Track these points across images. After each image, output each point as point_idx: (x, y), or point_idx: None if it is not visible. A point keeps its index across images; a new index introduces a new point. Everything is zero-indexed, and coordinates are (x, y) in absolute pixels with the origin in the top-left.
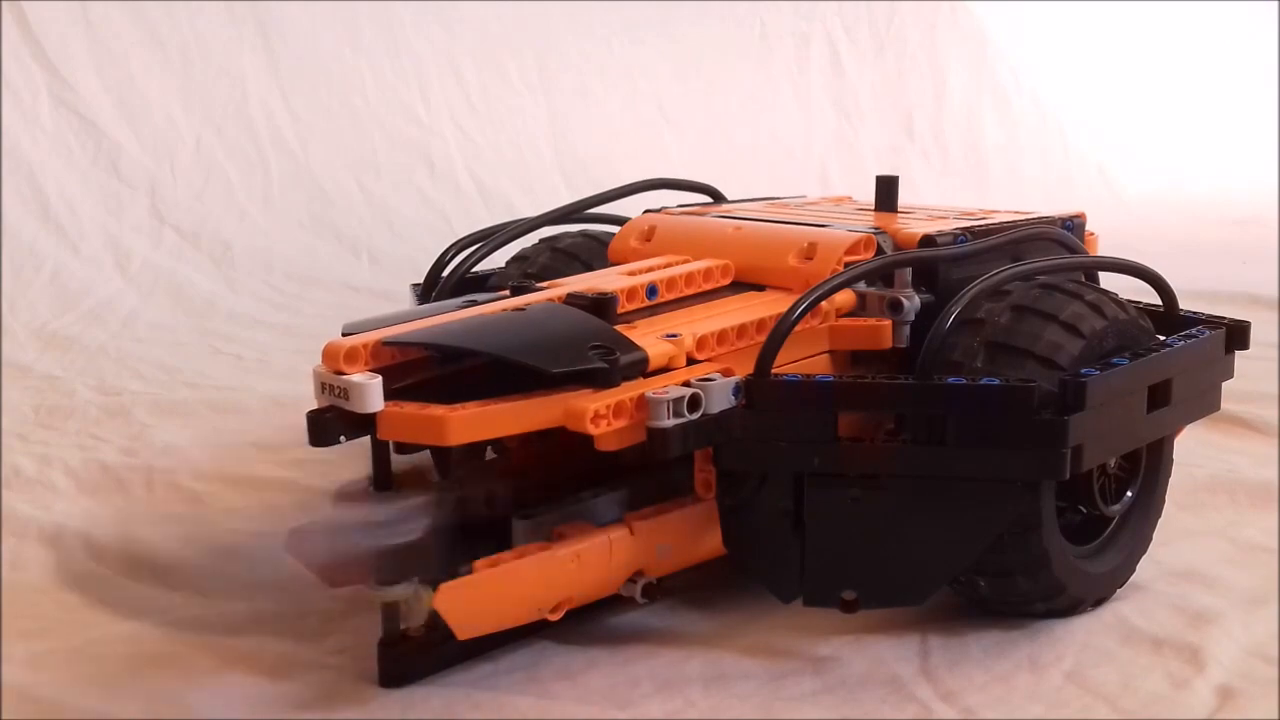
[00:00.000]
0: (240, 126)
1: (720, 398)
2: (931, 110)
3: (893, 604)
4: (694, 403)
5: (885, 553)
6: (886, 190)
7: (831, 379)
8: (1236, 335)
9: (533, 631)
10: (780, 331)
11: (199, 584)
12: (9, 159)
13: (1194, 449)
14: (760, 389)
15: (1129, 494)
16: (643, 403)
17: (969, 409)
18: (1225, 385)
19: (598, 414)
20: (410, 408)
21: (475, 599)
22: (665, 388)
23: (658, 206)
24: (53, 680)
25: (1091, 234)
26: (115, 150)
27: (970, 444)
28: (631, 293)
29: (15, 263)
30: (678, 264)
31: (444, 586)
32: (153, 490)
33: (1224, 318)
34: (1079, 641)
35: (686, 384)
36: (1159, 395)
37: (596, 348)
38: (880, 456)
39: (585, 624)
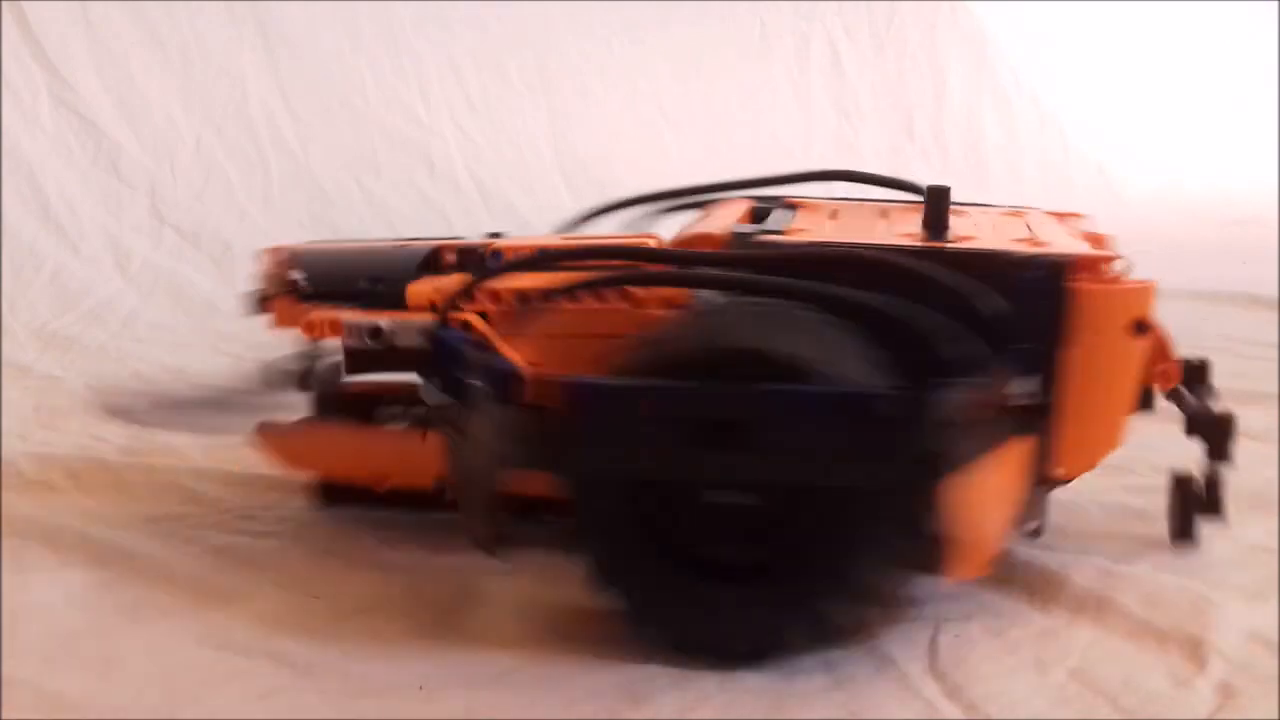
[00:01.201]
0: (240, 126)
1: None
2: (931, 110)
3: None
4: None
5: None
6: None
7: None
8: None
9: (540, 630)
10: None
11: (201, 583)
12: (9, 159)
13: (1194, 449)
14: None
15: None
16: None
17: None
18: (1225, 385)
19: None
20: None
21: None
22: None
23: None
24: (56, 678)
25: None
26: (115, 150)
27: None
28: None
29: (15, 262)
30: None
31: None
32: (155, 490)
33: None
34: (1084, 640)
35: None
36: None
37: None
38: None
39: (597, 621)
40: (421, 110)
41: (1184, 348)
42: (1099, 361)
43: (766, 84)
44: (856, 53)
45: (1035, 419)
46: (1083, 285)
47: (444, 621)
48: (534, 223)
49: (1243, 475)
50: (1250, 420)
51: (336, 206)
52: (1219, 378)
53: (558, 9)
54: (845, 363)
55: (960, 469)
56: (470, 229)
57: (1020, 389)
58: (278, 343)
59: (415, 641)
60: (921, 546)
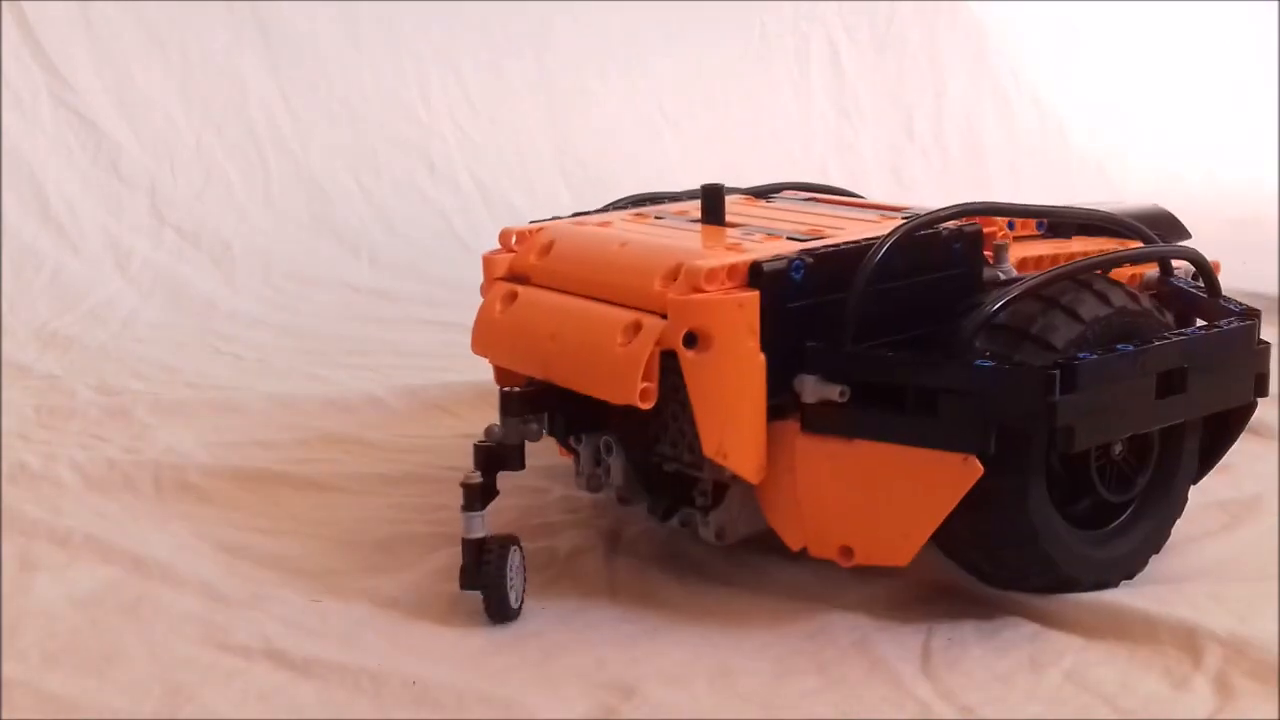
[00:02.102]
0: (240, 127)
1: None
2: (931, 110)
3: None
4: None
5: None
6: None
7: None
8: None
9: (533, 625)
10: None
11: (206, 582)
12: (9, 159)
13: None
14: None
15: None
16: None
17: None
18: None
19: None
20: None
21: None
22: None
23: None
24: (56, 678)
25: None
26: (115, 150)
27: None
28: None
29: (15, 262)
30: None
31: None
32: (160, 489)
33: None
34: (1079, 641)
35: None
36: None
37: None
38: None
39: (594, 621)
40: (421, 111)
41: None
42: None
43: (766, 84)
44: (856, 53)
45: None
46: None
47: (439, 621)
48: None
49: (1243, 473)
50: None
51: (336, 206)
52: None
53: (558, 9)
54: None
55: None
56: (470, 229)
57: None
58: (277, 345)
59: (412, 639)
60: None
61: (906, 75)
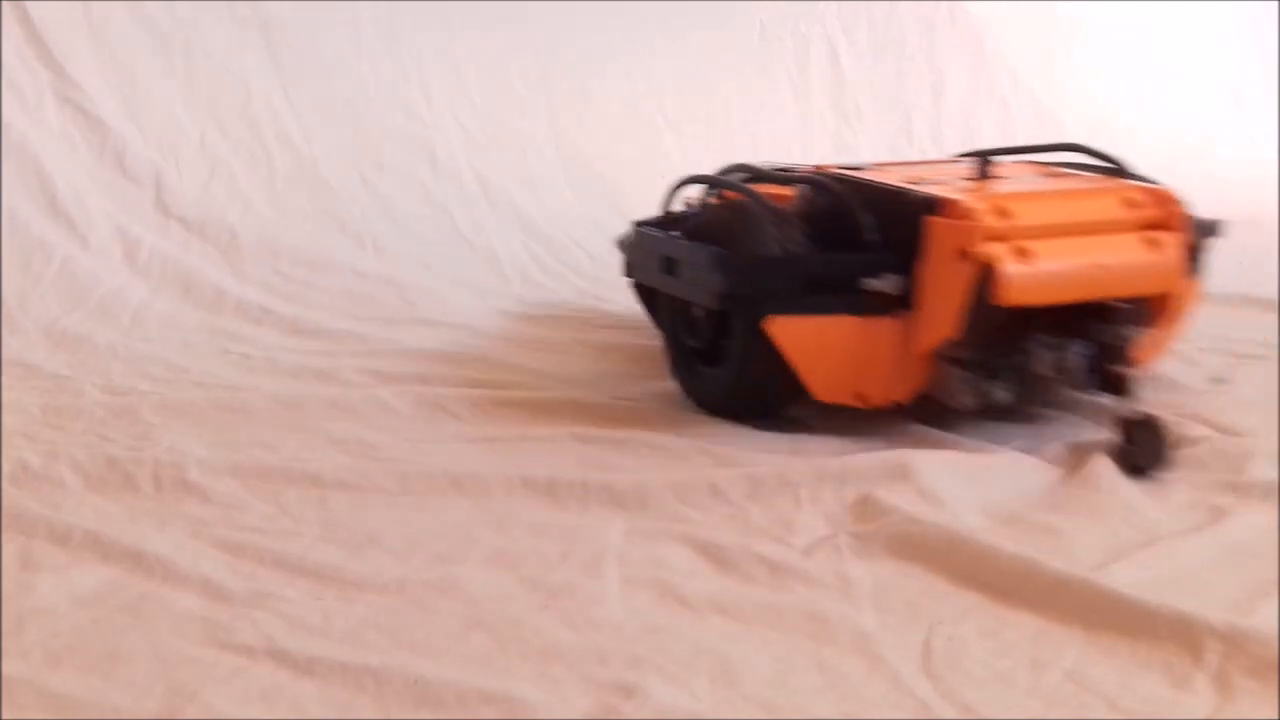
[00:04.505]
0: (244, 124)
1: None
2: (930, 111)
3: None
4: None
5: None
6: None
7: None
8: None
9: (539, 622)
10: None
11: (208, 581)
12: (17, 155)
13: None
14: None
15: None
16: None
17: None
18: (1217, 385)
19: None
20: None
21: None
22: None
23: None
24: (58, 678)
25: None
26: (121, 145)
27: None
28: None
29: (25, 257)
30: None
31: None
32: (161, 488)
33: None
34: (1079, 640)
35: None
36: None
37: None
38: None
39: (595, 619)
40: (424, 108)
41: (1186, 348)
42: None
43: (766, 85)
44: (855, 54)
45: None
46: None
47: (441, 619)
48: (537, 220)
49: (1241, 475)
50: (1250, 419)
51: (341, 200)
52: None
53: (558, 9)
54: None
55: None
56: (473, 223)
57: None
58: (284, 345)
59: (414, 637)
60: None
61: (905, 76)
